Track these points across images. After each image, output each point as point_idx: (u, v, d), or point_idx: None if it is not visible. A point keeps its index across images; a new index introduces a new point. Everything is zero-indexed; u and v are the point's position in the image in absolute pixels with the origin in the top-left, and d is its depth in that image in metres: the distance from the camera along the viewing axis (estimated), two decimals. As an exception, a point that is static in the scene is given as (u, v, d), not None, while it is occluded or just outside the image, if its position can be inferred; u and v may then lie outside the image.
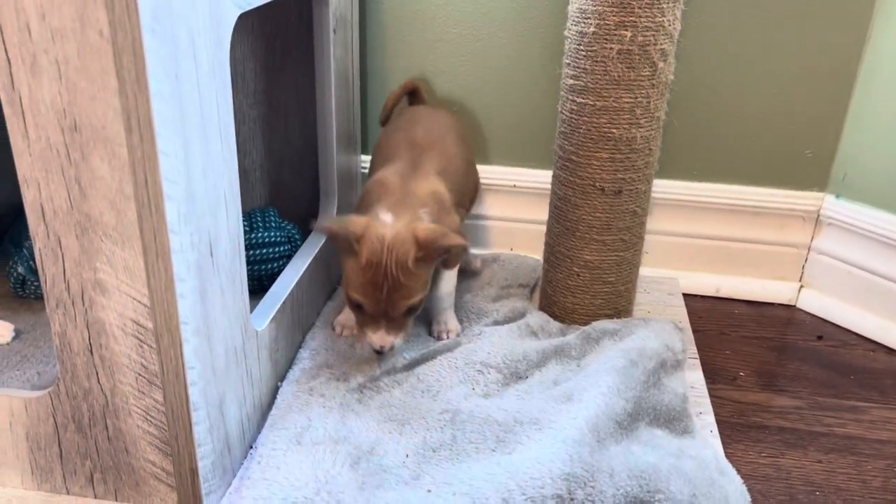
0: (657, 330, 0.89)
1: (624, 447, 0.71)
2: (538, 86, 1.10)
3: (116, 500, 0.69)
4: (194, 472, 0.65)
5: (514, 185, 1.16)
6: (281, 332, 0.83)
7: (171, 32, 0.54)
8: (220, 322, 0.66)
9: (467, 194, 0.99)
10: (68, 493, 0.70)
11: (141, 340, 0.61)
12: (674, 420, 0.77)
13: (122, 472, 0.68)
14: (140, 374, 0.63)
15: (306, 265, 0.91)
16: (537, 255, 1.13)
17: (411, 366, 0.85)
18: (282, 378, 0.83)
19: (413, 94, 1.09)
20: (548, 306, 0.98)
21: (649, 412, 0.77)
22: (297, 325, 0.89)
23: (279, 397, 0.79)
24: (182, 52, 0.56)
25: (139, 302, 0.60)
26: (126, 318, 0.61)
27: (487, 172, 1.15)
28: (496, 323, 0.93)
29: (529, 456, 0.70)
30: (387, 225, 0.78)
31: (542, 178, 1.14)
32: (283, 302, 0.83)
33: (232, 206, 0.67)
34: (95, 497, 0.69)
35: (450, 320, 0.92)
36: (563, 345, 0.87)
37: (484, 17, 1.08)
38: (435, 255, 0.79)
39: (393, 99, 1.07)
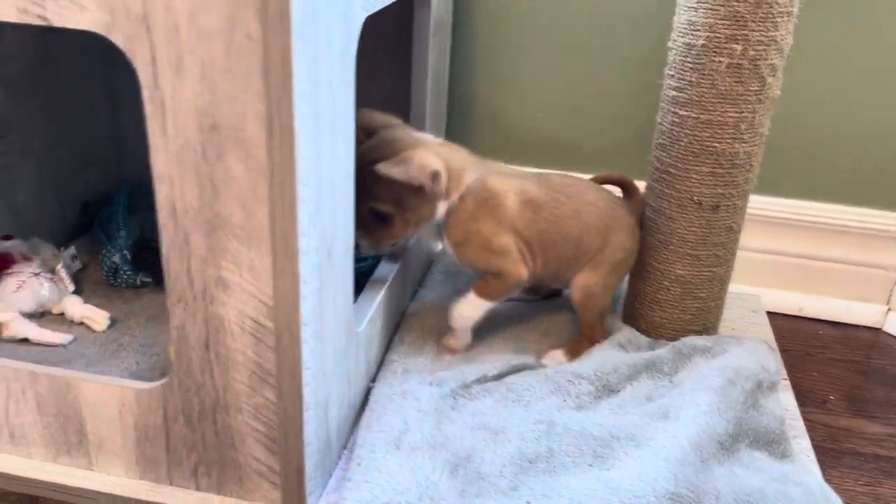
0: (751, 349, 0.87)
1: (727, 469, 0.70)
2: (632, 96, 1.09)
3: (218, 494, 0.70)
4: (300, 471, 0.66)
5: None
6: (374, 332, 0.83)
7: (314, 36, 0.54)
8: (331, 323, 0.67)
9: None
10: (171, 483, 0.71)
11: (258, 339, 0.62)
12: (773, 443, 0.76)
13: (226, 467, 0.69)
14: (254, 372, 0.64)
15: (398, 266, 0.91)
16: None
17: (501, 375, 0.85)
18: (373, 379, 0.84)
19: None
20: (632, 319, 0.97)
21: (749, 434, 0.75)
22: (387, 325, 0.89)
23: (372, 399, 0.80)
24: (320, 55, 0.56)
25: (261, 301, 0.60)
26: (245, 316, 0.61)
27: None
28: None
29: (630, 472, 0.69)
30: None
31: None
32: (379, 302, 0.83)
33: (348, 207, 0.67)
34: (198, 489, 0.70)
35: (451, 338, 0.90)
36: (655, 359, 0.86)
37: (579, 25, 1.07)
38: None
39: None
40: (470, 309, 0.88)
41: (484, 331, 0.92)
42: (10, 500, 0.71)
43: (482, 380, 0.83)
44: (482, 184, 0.85)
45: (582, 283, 0.89)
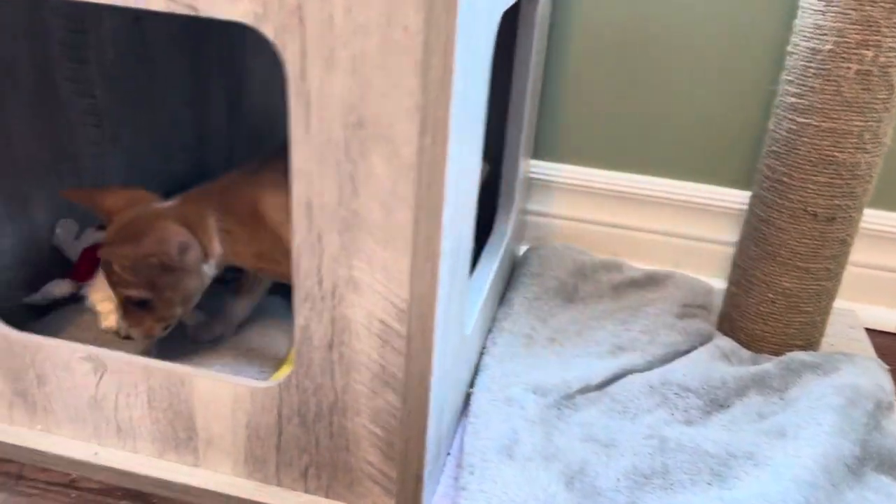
0: (864, 368, 0.84)
1: (858, 494, 0.67)
2: (741, 101, 1.06)
3: (327, 497, 0.69)
4: (419, 478, 0.64)
5: (686, 201, 1.12)
6: (475, 336, 0.81)
7: (470, 32, 0.52)
8: (452, 327, 0.65)
9: None
10: (279, 484, 0.69)
11: (384, 341, 0.60)
12: (896, 467, 0.73)
13: (337, 470, 0.67)
14: (376, 375, 0.62)
15: (494, 269, 0.89)
16: (701, 275, 1.09)
17: (603, 385, 0.82)
18: (470, 384, 0.82)
19: None
20: (732, 332, 0.94)
21: (874, 457, 0.72)
22: (483, 328, 0.87)
23: (474, 405, 0.78)
24: (472, 51, 0.54)
25: (391, 303, 0.59)
26: (373, 318, 0.60)
27: (655, 185, 1.12)
28: (685, 342, 0.90)
29: (753, 492, 0.66)
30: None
31: (721, 195, 1.10)
32: (481, 306, 0.81)
33: (472, 210, 0.66)
34: (306, 492, 0.69)
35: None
36: (763, 374, 0.83)
37: (686, 26, 1.04)
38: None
39: None
40: None
41: (588, 335, 0.90)
42: (116, 496, 0.70)
43: (585, 389, 0.81)
44: (231, 208, 0.78)
45: None
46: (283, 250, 0.75)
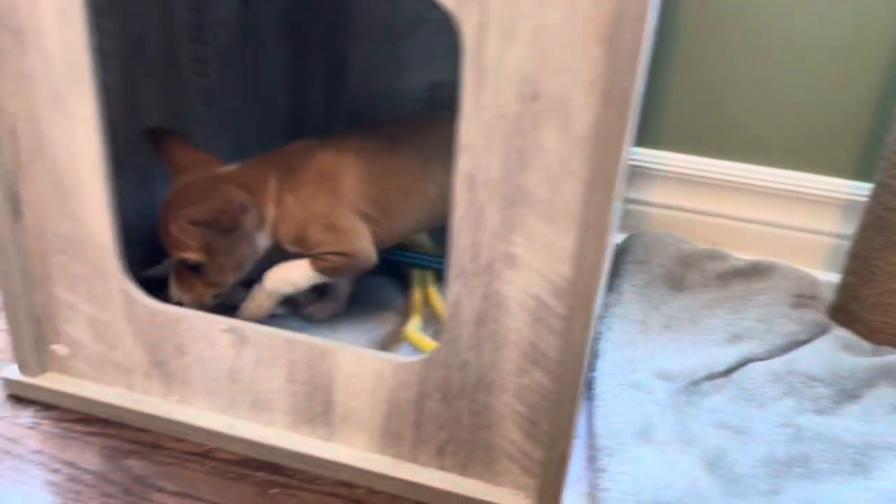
0: None
1: None
2: (852, 87, 1.03)
3: (462, 475, 0.69)
4: (564, 458, 0.64)
5: (788, 190, 1.10)
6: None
7: (654, 4, 0.52)
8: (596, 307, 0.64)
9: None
10: (414, 460, 0.70)
11: (538, 318, 0.60)
12: None
13: (476, 448, 0.67)
14: (526, 353, 0.62)
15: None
16: (801, 265, 1.07)
17: (727, 372, 0.81)
18: (590, 368, 0.81)
19: None
20: (848, 323, 0.92)
21: None
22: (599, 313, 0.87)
23: (600, 388, 0.77)
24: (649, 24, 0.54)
25: (548, 280, 0.58)
26: (528, 295, 0.59)
27: (755, 173, 1.10)
28: (804, 332, 0.88)
29: (901, 484, 0.65)
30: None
31: (824, 185, 1.08)
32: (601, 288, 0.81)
33: (620, 186, 0.65)
34: (441, 469, 0.69)
35: (251, 301, 0.81)
36: (891, 366, 0.82)
37: (795, 5, 1.02)
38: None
39: None
40: (295, 274, 0.79)
41: (701, 324, 0.89)
42: (251, 466, 0.71)
43: (711, 376, 0.80)
44: (293, 171, 0.79)
45: None
46: (331, 222, 0.77)
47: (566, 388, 0.61)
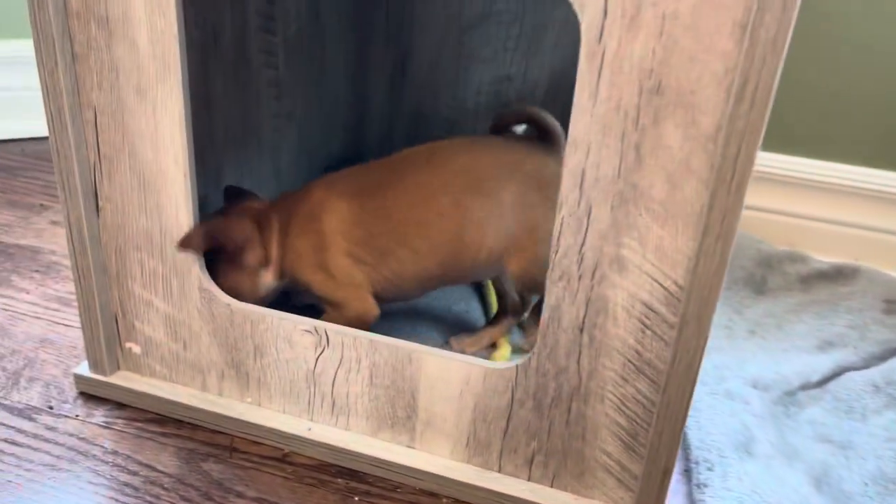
0: None
1: None
2: None
3: (552, 486, 0.66)
4: (668, 472, 0.60)
5: (871, 189, 1.05)
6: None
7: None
8: (705, 314, 0.61)
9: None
10: (500, 470, 0.67)
11: (645, 325, 0.57)
12: None
13: (567, 459, 0.64)
14: (630, 361, 0.58)
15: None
16: (884, 268, 1.02)
17: (822, 382, 0.77)
18: (676, 375, 0.78)
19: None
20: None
21: None
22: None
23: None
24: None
25: (660, 285, 0.55)
26: (636, 300, 0.56)
27: (835, 172, 1.05)
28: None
29: None
30: None
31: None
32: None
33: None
34: (529, 479, 0.66)
35: None
36: None
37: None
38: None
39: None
40: None
41: (788, 329, 0.85)
42: (331, 472, 0.68)
43: (806, 386, 0.76)
44: (288, 211, 0.75)
45: (517, 270, 0.74)
46: (320, 261, 0.74)
47: (674, 400, 0.58)
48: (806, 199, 1.09)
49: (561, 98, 1.03)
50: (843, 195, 1.07)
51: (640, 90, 0.50)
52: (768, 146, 1.08)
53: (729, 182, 0.50)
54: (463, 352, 0.79)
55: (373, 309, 0.75)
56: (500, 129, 0.79)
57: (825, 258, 1.05)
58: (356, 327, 0.68)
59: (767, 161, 1.08)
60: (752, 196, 1.09)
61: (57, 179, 0.67)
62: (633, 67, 0.50)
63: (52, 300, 0.90)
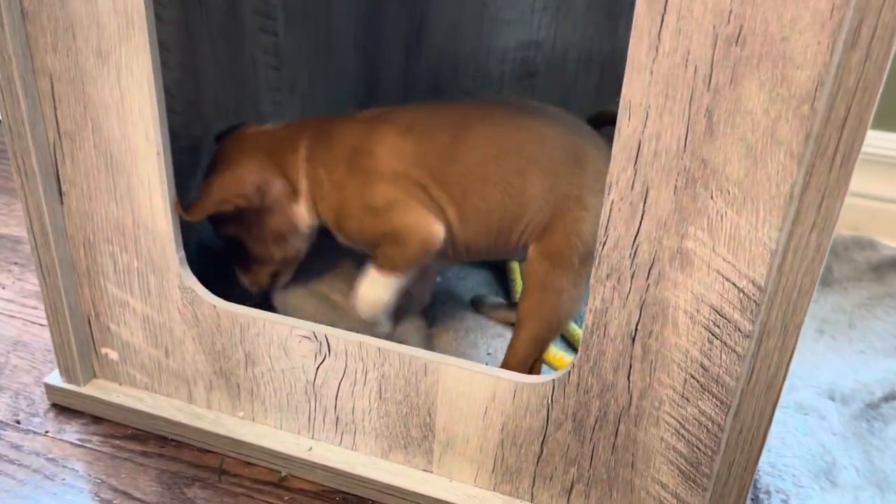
0: None
1: None
2: None
3: (593, 520, 0.56)
4: (737, 510, 0.50)
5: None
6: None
7: None
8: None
9: None
10: (532, 500, 0.57)
11: (714, 335, 0.46)
12: None
13: (613, 490, 0.54)
14: (693, 377, 0.48)
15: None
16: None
17: (909, 390, 0.66)
18: (735, 383, 0.67)
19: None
20: None
21: None
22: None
23: (754, 410, 0.63)
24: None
25: (734, 285, 0.44)
26: (704, 304, 0.45)
27: None
28: None
29: None
30: None
31: None
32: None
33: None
34: (567, 511, 0.56)
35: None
36: None
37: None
38: None
39: None
40: (374, 291, 0.63)
41: (861, 327, 0.74)
42: (335, 501, 0.59)
43: (890, 397, 0.65)
44: (325, 143, 0.63)
45: (537, 260, 0.61)
46: (368, 203, 0.62)
47: (748, 425, 0.47)
48: (872, 177, 0.96)
49: (596, 67, 0.92)
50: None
51: (715, 40, 0.39)
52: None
53: (832, 156, 0.39)
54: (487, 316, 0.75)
55: (437, 230, 0.61)
56: (597, 126, 0.66)
57: (892, 242, 0.93)
58: (421, 260, 0.61)
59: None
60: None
61: (11, 162, 0.57)
62: (707, 10, 0.39)
63: (29, 296, 0.81)
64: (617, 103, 0.43)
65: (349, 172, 0.62)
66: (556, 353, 0.69)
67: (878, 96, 0.37)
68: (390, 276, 0.62)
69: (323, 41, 0.93)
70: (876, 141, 0.95)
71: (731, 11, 0.38)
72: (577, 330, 0.73)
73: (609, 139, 0.58)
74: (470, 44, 0.99)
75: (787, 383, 0.63)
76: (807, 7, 0.37)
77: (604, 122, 0.64)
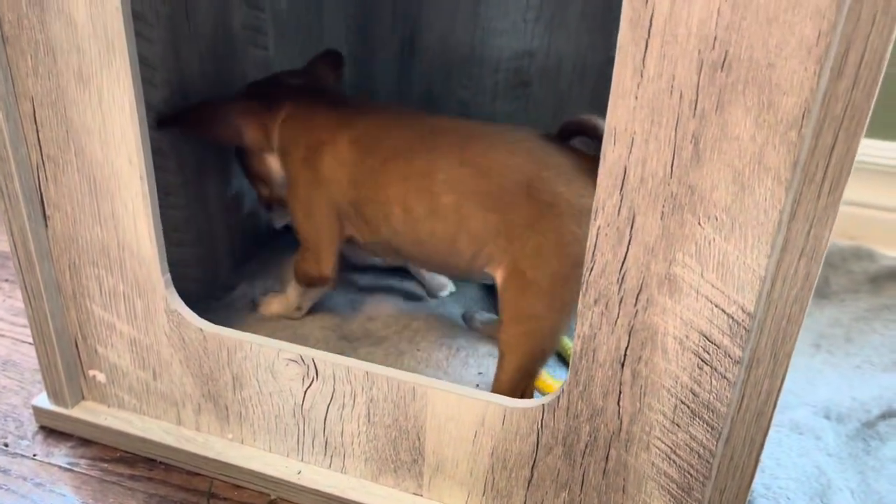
0: None
1: None
2: None
3: (585, 545, 0.55)
4: (730, 536, 0.49)
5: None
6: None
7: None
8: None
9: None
10: (523, 524, 0.56)
11: (703, 361, 0.45)
12: None
13: (606, 514, 0.53)
14: (683, 403, 0.47)
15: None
16: None
17: (905, 407, 0.65)
18: (730, 400, 0.66)
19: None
20: None
21: None
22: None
23: (748, 429, 0.62)
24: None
25: (723, 311, 0.43)
26: (693, 330, 0.45)
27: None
28: None
29: None
30: None
31: None
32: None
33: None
34: (558, 535, 0.55)
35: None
36: None
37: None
38: None
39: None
40: (276, 299, 0.77)
41: (859, 341, 0.73)
42: (324, 523, 0.58)
43: (888, 414, 0.64)
44: (301, 119, 0.69)
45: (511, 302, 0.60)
46: (301, 199, 0.69)
47: (739, 451, 0.46)
48: (870, 186, 0.95)
49: (590, 78, 0.91)
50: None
51: (700, 65, 0.38)
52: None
53: (819, 183, 0.38)
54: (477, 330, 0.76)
55: (327, 273, 0.70)
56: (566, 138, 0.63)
57: (894, 253, 0.92)
58: (304, 282, 0.72)
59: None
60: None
61: (-5, 185, 0.56)
62: (691, 35, 0.38)
63: (19, 314, 0.80)
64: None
65: (303, 161, 0.67)
66: (547, 379, 0.68)
67: (867, 123, 0.36)
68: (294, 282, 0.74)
69: (313, 53, 0.92)
70: (874, 150, 0.94)
71: (715, 37, 0.38)
72: (569, 344, 0.73)
73: (576, 151, 0.57)
74: (462, 53, 0.99)
75: (782, 401, 0.63)
76: (792, 33, 0.36)
77: (570, 134, 0.63)
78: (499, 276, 0.60)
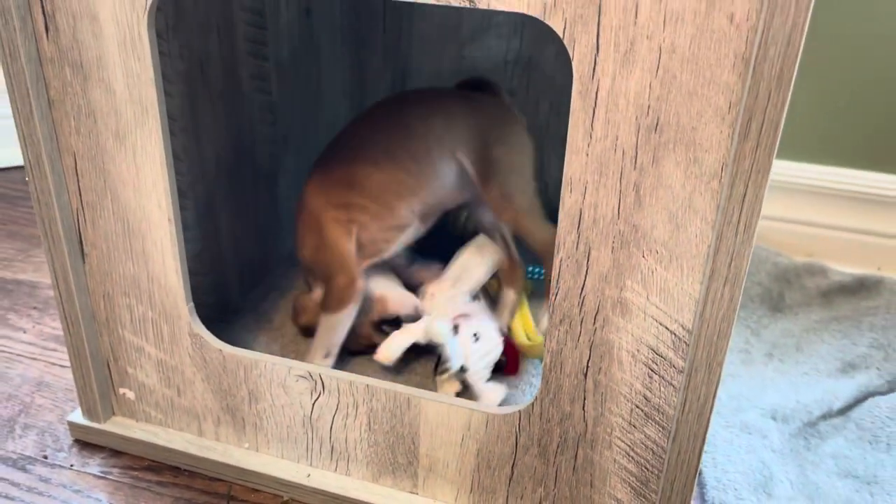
0: None
1: None
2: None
3: (562, 533, 0.63)
4: (681, 521, 0.57)
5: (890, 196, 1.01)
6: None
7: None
8: (717, 353, 0.58)
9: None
10: (506, 516, 0.64)
11: (652, 371, 0.54)
12: None
13: (576, 505, 0.61)
14: (637, 407, 0.55)
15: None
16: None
17: (845, 409, 0.74)
18: (690, 405, 0.74)
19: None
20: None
21: None
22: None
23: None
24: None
25: (667, 328, 0.52)
26: (642, 345, 0.53)
27: (853, 178, 1.01)
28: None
29: None
30: None
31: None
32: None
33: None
34: (537, 525, 0.63)
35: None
36: None
37: None
38: None
39: None
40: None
41: (808, 350, 0.81)
42: (331, 520, 0.66)
43: (827, 415, 0.72)
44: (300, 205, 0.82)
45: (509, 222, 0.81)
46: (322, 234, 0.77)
47: (685, 446, 0.55)
48: (824, 207, 1.04)
49: (565, 115, 1.00)
50: (864, 202, 1.03)
51: (638, 128, 0.47)
52: (783, 154, 1.04)
53: (736, 223, 0.46)
54: None
55: (354, 275, 0.76)
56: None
57: (846, 269, 1.01)
58: (341, 299, 0.75)
59: (783, 168, 1.04)
60: (768, 205, 1.05)
61: (39, 227, 0.64)
62: (629, 104, 0.47)
63: (49, 339, 0.88)
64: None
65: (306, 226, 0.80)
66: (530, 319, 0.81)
67: (769, 176, 0.45)
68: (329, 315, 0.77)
69: (313, 95, 1.01)
70: (828, 176, 1.03)
71: (649, 106, 0.46)
72: (537, 336, 0.80)
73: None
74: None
75: (735, 405, 0.71)
76: (709, 104, 0.45)
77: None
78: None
